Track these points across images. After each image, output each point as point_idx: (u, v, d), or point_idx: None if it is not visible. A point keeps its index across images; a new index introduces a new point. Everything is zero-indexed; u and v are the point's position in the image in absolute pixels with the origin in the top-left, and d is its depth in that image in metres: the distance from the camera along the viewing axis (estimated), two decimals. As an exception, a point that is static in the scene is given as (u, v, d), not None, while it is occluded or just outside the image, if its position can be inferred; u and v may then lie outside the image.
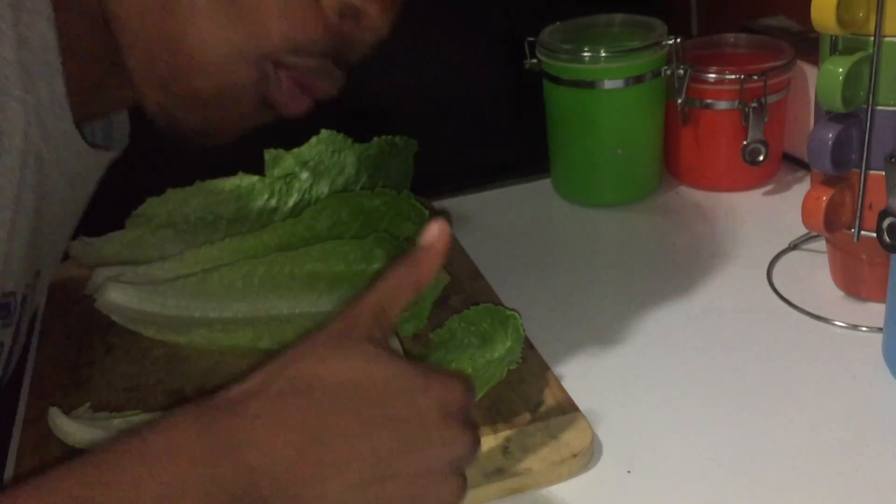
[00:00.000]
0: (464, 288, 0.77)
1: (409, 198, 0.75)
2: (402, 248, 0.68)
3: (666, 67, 0.87)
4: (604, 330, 0.72)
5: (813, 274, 0.77)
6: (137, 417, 0.60)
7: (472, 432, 0.46)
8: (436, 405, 0.44)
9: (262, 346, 0.67)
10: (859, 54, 0.62)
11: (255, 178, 0.83)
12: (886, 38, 0.62)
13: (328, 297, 0.69)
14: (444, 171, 0.97)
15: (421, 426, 0.44)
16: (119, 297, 0.71)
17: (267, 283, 0.69)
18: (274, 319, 0.69)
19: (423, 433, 0.44)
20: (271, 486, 0.41)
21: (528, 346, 0.68)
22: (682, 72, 0.86)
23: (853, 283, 0.73)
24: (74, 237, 0.85)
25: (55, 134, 0.55)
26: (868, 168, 0.66)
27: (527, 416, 0.60)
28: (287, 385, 0.43)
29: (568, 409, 0.61)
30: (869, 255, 0.70)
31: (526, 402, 0.62)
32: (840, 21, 0.61)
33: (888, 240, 0.62)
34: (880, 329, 0.67)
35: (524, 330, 0.62)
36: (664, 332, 0.71)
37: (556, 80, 0.87)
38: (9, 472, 0.61)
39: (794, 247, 0.80)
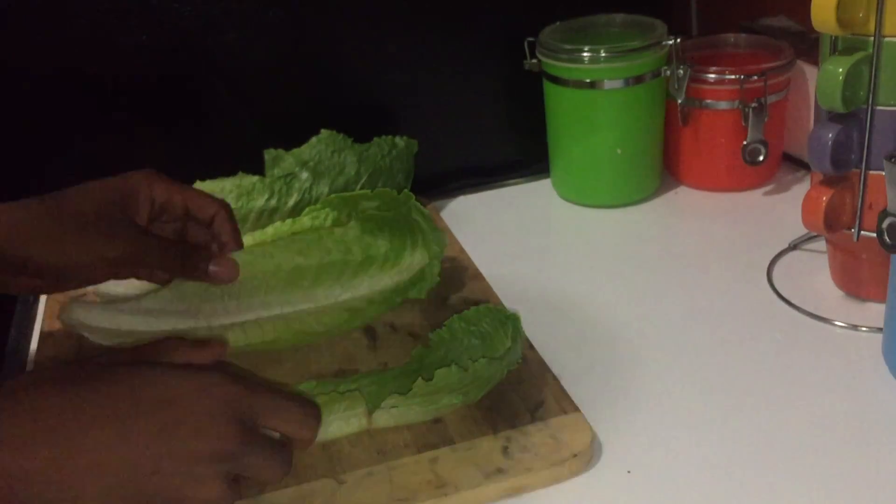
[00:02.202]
0: (464, 288, 0.77)
1: (409, 198, 0.75)
2: (388, 224, 0.68)
3: (666, 67, 0.87)
4: (604, 330, 0.72)
5: (813, 274, 0.77)
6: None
7: (238, 434, 0.45)
8: (196, 409, 0.44)
9: (251, 342, 0.67)
10: (859, 54, 0.62)
11: (255, 178, 0.82)
12: (886, 38, 0.62)
13: (316, 289, 0.68)
14: (444, 171, 0.97)
15: (179, 429, 0.44)
16: (86, 316, 0.66)
17: (249, 281, 0.67)
18: (261, 319, 0.68)
19: (180, 436, 0.44)
20: (27, 490, 0.41)
21: (528, 346, 0.68)
22: (682, 72, 0.86)
23: (853, 283, 0.73)
24: None
25: None
26: (868, 168, 0.66)
27: (527, 416, 0.60)
28: (44, 388, 0.43)
29: (568, 409, 0.61)
30: (869, 255, 0.70)
31: (526, 402, 0.62)
32: (840, 21, 0.61)
33: (888, 240, 0.62)
34: (880, 329, 0.67)
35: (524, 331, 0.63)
36: (664, 332, 0.71)
37: (556, 80, 0.87)
38: (9, 472, 0.61)
39: (794, 247, 0.80)
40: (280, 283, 0.67)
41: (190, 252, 0.63)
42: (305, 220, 0.75)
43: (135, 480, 0.43)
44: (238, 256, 0.65)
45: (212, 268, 0.62)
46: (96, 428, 0.42)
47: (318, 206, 0.76)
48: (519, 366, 0.62)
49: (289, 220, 0.75)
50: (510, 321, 0.63)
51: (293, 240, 0.69)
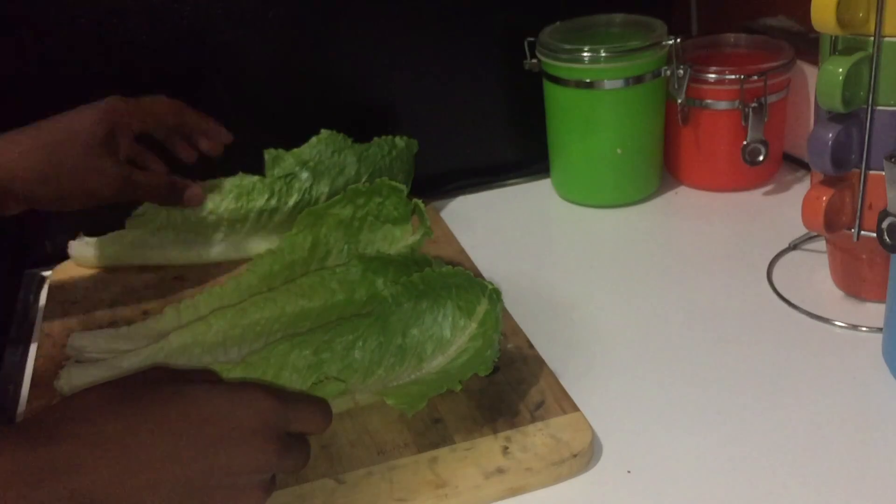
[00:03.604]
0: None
1: (384, 187, 0.73)
2: (392, 263, 0.68)
3: (666, 67, 0.87)
4: (604, 330, 0.72)
5: (813, 274, 0.77)
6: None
7: (277, 445, 0.48)
8: (239, 425, 0.47)
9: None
10: (859, 54, 0.62)
11: (256, 178, 0.82)
12: (886, 38, 0.62)
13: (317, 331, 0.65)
14: (444, 171, 0.97)
15: (225, 445, 0.46)
16: (84, 378, 0.64)
17: (252, 328, 0.66)
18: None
19: (226, 451, 0.46)
20: None
21: (528, 345, 0.68)
22: (682, 72, 0.86)
23: (853, 283, 0.73)
24: (74, 237, 0.85)
25: None
26: (868, 168, 0.66)
27: (527, 416, 0.60)
28: (101, 411, 0.45)
29: (568, 409, 0.61)
30: (869, 255, 0.70)
31: (526, 402, 0.62)
32: (840, 21, 0.61)
33: (888, 240, 0.62)
34: (880, 329, 0.67)
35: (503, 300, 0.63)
36: (664, 332, 0.71)
37: (556, 80, 0.87)
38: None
39: (794, 247, 0.80)
40: (283, 328, 0.66)
41: (170, 186, 0.77)
42: (284, 251, 0.72)
43: (186, 494, 0.45)
44: (243, 303, 0.66)
45: (186, 195, 0.78)
46: (151, 447, 0.45)
47: (294, 229, 0.73)
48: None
49: (268, 252, 0.72)
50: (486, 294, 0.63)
51: (297, 284, 0.68)
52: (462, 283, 0.63)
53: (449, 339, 0.62)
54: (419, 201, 0.73)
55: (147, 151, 0.78)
